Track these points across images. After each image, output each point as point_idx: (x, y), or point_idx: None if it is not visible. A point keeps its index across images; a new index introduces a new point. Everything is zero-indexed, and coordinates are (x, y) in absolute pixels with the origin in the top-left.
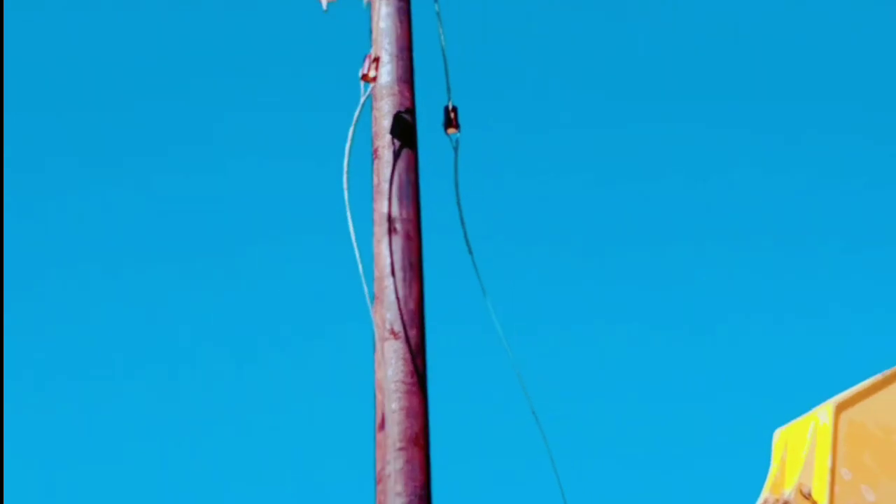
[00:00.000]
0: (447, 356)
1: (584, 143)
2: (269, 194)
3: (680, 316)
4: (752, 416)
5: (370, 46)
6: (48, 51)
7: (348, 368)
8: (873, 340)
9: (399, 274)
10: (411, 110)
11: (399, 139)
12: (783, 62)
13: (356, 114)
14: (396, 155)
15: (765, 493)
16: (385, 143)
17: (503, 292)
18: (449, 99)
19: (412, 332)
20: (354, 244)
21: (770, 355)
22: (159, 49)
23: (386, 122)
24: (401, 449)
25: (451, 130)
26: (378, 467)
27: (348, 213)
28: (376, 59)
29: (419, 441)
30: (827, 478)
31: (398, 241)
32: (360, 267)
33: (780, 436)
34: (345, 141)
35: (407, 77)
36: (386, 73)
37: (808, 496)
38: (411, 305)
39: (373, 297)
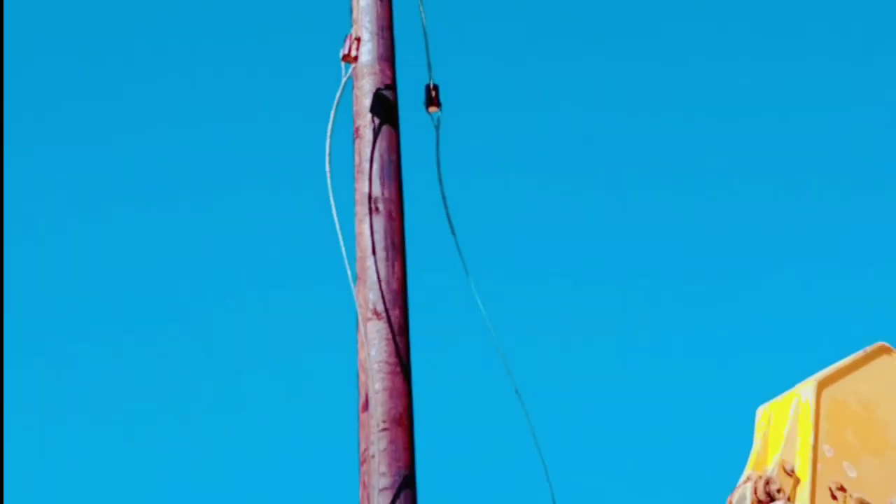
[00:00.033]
0: (431, 336)
1: (567, 121)
2: (252, 177)
3: (663, 290)
4: (735, 393)
5: (351, 27)
6: None
7: (331, 349)
8: (854, 318)
9: (381, 254)
10: (392, 86)
11: (379, 117)
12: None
13: (338, 94)
14: (377, 134)
15: (748, 469)
16: (366, 123)
17: (486, 272)
18: (430, 77)
19: (395, 313)
20: (337, 224)
21: (752, 332)
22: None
23: (367, 101)
24: (384, 430)
25: (433, 109)
26: (362, 448)
27: (330, 194)
28: (357, 39)
29: (403, 422)
30: (809, 455)
31: (380, 220)
32: (342, 247)
33: (763, 413)
34: (327, 122)
35: (388, 55)
36: (367, 52)
37: (790, 473)
38: (394, 286)
39: (355, 278)
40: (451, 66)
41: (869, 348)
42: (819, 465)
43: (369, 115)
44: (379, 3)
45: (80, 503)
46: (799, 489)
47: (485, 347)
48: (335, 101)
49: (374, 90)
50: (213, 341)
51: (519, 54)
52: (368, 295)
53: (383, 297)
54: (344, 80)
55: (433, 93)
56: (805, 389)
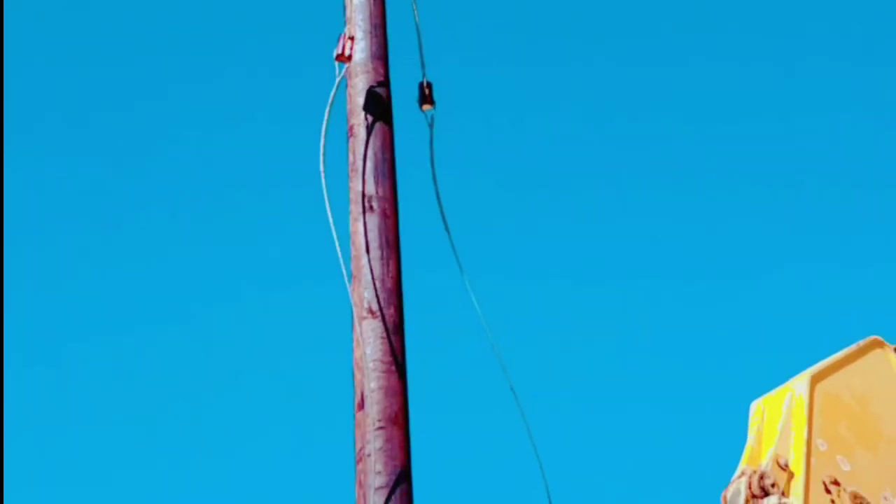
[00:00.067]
0: (426, 335)
1: (565, 119)
2: (245, 177)
3: (661, 289)
4: (729, 389)
5: (344, 26)
6: None
7: (326, 348)
8: (847, 314)
9: (376, 252)
10: (385, 84)
11: (373, 115)
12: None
13: (332, 94)
14: (371, 132)
15: (742, 464)
16: (360, 121)
17: (485, 272)
18: (423, 75)
19: (390, 311)
20: (331, 223)
21: (749, 330)
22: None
23: (360, 100)
24: (380, 428)
25: (427, 107)
26: (357, 447)
27: (325, 193)
28: (351, 38)
29: (398, 420)
30: (803, 449)
31: (374, 219)
32: (337, 246)
33: (756, 408)
34: (321, 122)
35: (381, 53)
36: (360, 51)
37: (784, 467)
38: (389, 284)
39: (350, 276)
40: (444, 63)
41: (862, 342)
42: (813, 459)
43: (363, 114)
44: (372, 1)
45: (80, 503)
46: (793, 483)
47: (481, 345)
48: (329, 101)
49: (367, 88)
50: (208, 340)
51: (513, 51)
52: (363, 293)
53: (378, 295)
54: (338, 79)
55: (427, 90)
56: (798, 384)
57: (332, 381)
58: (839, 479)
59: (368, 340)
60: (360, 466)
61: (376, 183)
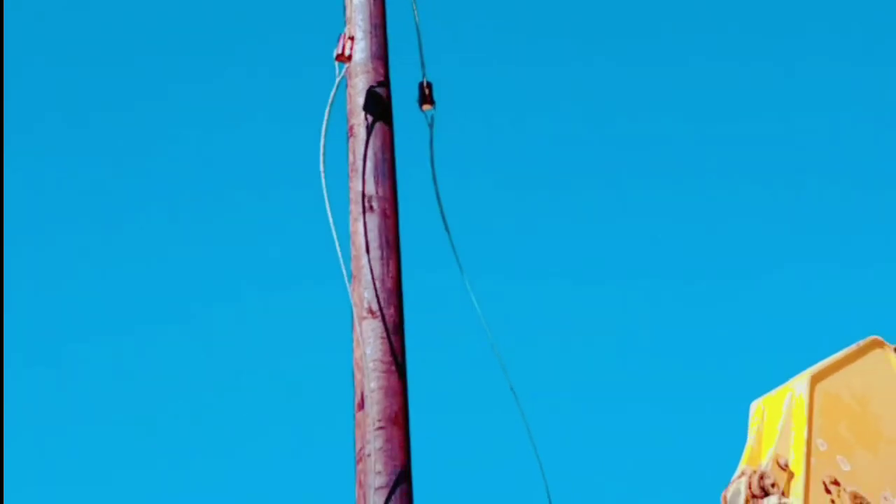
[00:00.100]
0: (426, 335)
1: (565, 119)
2: (246, 177)
3: (660, 289)
4: (729, 389)
5: (344, 26)
6: None
7: (326, 348)
8: (847, 314)
9: (376, 252)
10: (385, 84)
11: (373, 115)
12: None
13: (332, 94)
14: (371, 132)
15: (742, 464)
16: (360, 121)
17: (485, 272)
18: (423, 75)
19: (390, 311)
20: (331, 223)
21: (749, 330)
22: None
23: (360, 100)
24: (380, 428)
25: (427, 107)
26: (358, 447)
27: (325, 193)
28: (351, 38)
29: (398, 420)
30: (803, 449)
31: (374, 219)
32: (337, 246)
33: (756, 408)
34: (321, 122)
35: (381, 53)
36: (360, 51)
37: (784, 467)
38: (389, 284)
39: (350, 276)
40: (444, 63)
41: (861, 342)
42: (813, 459)
43: (363, 114)
44: (372, 1)
45: (80, 503)
46: (793, 483)
47: (481, 345)
48: (329, 101)
49: (367, 88)
50: (208, 340)
51: (513, 51)
52: (363, 293)
53: (378, 295)
54: (338, 79)
55: (427, 90)
56: (798, 384)
57: (332, 381)
58: (839, 479)
59: (368, 340)
60: (360, 466)
61: (376, 183)
